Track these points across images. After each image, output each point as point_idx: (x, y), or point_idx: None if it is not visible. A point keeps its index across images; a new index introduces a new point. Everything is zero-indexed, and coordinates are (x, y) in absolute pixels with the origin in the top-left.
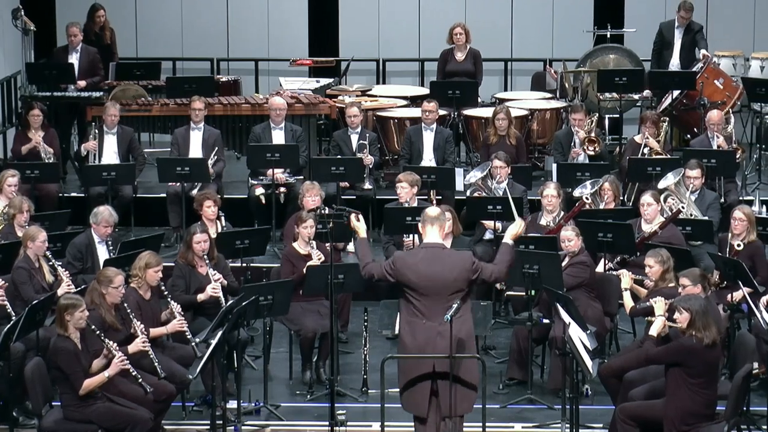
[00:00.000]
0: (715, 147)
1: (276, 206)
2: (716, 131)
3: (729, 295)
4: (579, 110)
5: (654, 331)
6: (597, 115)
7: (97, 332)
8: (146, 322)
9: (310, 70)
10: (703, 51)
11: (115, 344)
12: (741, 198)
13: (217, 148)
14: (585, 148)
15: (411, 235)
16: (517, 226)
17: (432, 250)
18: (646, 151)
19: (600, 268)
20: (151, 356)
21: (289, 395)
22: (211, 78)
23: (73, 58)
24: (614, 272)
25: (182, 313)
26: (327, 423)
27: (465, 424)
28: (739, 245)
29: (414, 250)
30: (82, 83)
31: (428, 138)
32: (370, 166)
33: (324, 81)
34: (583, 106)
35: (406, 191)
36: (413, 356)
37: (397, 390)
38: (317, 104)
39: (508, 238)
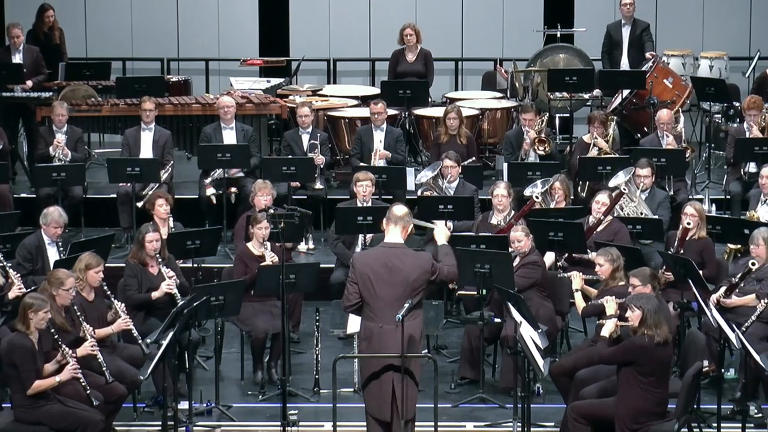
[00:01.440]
0: (665, 146)
1: (227, 206)
2: (666, 130)
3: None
4: (529, 110)
5: (606, 332)
6: (547, 114)
7: (56, 336)
8: (92, 324)
9: (261, 70)
10: (649, 52)
11: (70, 350)
12: (691, 197)
13: (171, 161)
14: (536, 147)
15: (362, 236)
16: (442, 231)
17: (392, 250)
18: (594, 151)
19: (549, 260)
20: (100, 360)
21: (241, 395)
22: (161, 78)
23: (17, 59)
24: (564, 274)
25: (126, 311)
26: (279, 423)
27: (417, 423)
28: (688, 223)
29: (373, 249)
30: (29, 83)
31: (379, 138)
32: (321, 166)
33: (275, 81)
34: (533, 106)
35: (370, 189)
36: (364, 356)
37: (350, 390)
38: (268, 104)
39: (443, 241)
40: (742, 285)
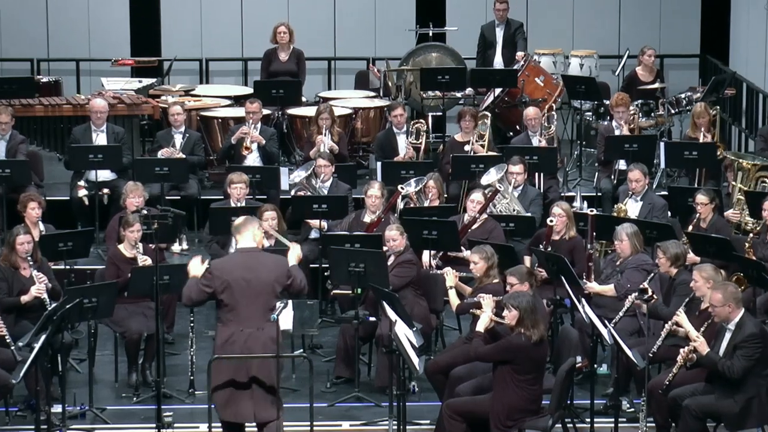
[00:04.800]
0: (535, 144)
1: (99, 208)
2: (534, 126)
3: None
4: (397, 106)
5: (481, 326)
6: (430, 116)
7: None
8: None
9: (133, 70)
10: (519, 53)
11: None
12: (562, 194)
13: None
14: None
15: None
16: (294, 253)
17: (249, 254)
18: (467, 147)
19: (425, 258)
20: None
21: (115, 398)
22: (31, 79)
23: None
24: (438, 271)
25: (2, 317)
26: (154, 425)
27: (293, 423)
28: (551, 220)
29: (230, 255)
30: None
31: None
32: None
33: (147, 81)
34: (401, 102)
35: (244, 191)
36: (238, 356)
37: None
38: (140, 104)
39: (294, 262)
40: (603, 274)
